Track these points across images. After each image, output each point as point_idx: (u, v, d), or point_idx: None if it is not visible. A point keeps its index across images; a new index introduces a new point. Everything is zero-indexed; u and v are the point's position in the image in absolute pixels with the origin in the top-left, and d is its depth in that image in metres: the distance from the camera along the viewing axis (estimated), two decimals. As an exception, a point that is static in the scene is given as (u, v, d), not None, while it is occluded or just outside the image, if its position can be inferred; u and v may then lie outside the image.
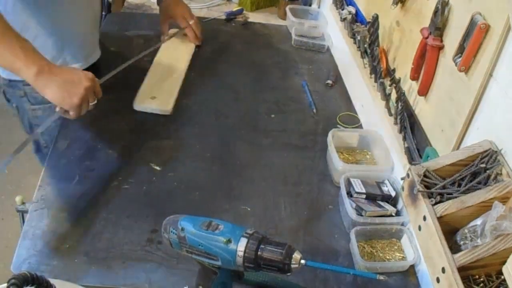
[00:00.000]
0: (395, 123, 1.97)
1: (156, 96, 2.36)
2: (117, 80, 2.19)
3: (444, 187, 1.40)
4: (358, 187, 1.94)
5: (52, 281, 1.18)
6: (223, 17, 3.24)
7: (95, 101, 1.96)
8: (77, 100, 1.87)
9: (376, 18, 2.10)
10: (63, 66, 2.07)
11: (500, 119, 1.41)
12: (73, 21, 2.14)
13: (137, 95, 2.35)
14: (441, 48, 1.69)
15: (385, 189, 1.96)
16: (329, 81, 2.71)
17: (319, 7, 3.35)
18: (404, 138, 1.91)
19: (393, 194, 1.94)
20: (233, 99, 2.52)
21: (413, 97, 1.90)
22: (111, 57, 2.54)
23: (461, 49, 1.54)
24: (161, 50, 2.70)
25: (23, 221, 1.84)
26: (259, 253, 1.25)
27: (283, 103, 2.53)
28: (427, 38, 1.72)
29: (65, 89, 1.86)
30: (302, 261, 1.25)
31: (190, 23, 2.77)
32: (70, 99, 1.86)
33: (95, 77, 1.96)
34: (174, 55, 2.70)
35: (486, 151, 1.41)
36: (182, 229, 1.32)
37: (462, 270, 1.25)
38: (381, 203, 1.92)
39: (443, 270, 1.26)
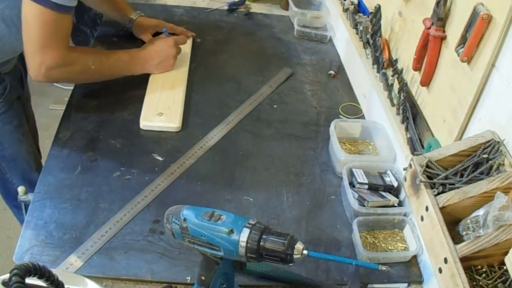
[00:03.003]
0: (398, 114, 1.97)
1: (163, 112, 2.26)
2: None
3: (446, 178, 1.40)
4: (361, 177, 1.94)
5: (55, 271, 1.18)
6: (225, 7, 3.23)
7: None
8: (171, 64, 2.47)
9: (378, 9, 2.10)
10: (147, 45, 2.48)
11: (502, 110, 1.41)
12: None
13: (142, 111, 2.26)
14: (443, 38, 1.69)
15: (387, 179, 1.96)
16: (332, 72, 2.70)
17: (321, -2, 3.34)
18: (407, 129, 1.91)
19: (395, 184, 1.94)
20: (235, 89, 2.51)
21: (415, 88, 1.90)
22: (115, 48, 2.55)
23: (463, 40, 1.54)
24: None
25: (26, 212, 1.84)
26: (261, 243, 1.25)
27: (286, 94, 2.53)
28: (429, 28, 1.72)
29: (162, 64, 2.44)
30: (305, 252, 1.25)
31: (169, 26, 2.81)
32: (168, 67, 2.46)
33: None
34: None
35: (488, 141, 1.41)
36: (185, 220, 1.32)
37: (464, 260, 1.25)
38: (384, 194, 1.92)
39: (445, 260, 1.27)
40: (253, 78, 2.61)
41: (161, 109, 2.26)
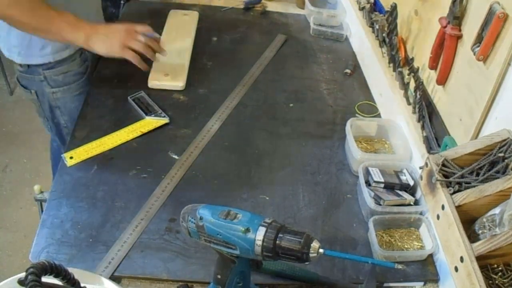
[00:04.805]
0: (414, 112, 1.96)
1: (169, 73, 2.44)
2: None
3: (462, 176, 1.40)
4: (377, 176, 1.94)
5: (71, 270, 1.19)
6: (242, 6, 3.23)
7: (147, 35, 2.26)
8: (118, 44, 2.17)
9: (394, 7, 2.10)
10: (101, 23, 2.33)
11: (519, 108, 1.41)
12: (75, 11, 2.15)
13: (150, 73, 2.41)
14: (459, 37, 1.69)
15: (403, 178, 1.96)
16: (348, 70, 2.70)
17: (337, -4, 3.34)
18: (423, 127, 1.90)
19: (411, 183, 1.94)
20: (252, 88, 2.52)
21: (431, 86, 1.90)
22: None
23: (479, 38, 1.54)
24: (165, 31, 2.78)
25: (42, 210, 1.85)
26: (277, 242, 1.25)
27: (302, 92, 2.53)
28: (445, 27, 1.71)
29: (107, 40, 2.17)
30: (321, 250, 1.25)
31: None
32: (113, 46, 2.17)
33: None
34: (179, 33, 2.79)
35: (504, 140, 1.41)
36: (201, 218, 1.33)
37: (480, 259, 1.25)
38: (400, 192, 1.92)
39: (462, 259, 1.26)
40: (269, 77, 2.61)
41: (168, 70, 2.44)
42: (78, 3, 2.21)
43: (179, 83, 2.42)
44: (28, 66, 2.27)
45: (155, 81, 2.40)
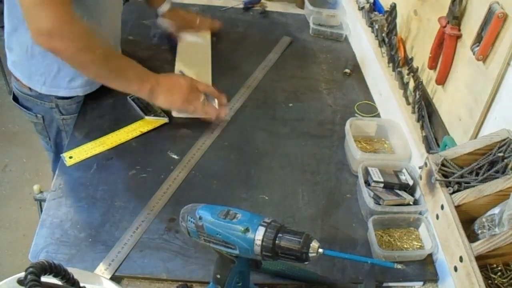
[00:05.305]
0: (413, 112, 1.97)
1: None
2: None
3: (461, 176, 1.40)
4: (376, 176, 1.94)
5: (70, 269, 1.19)
6: (241, 6, 3.23)
7: (203, 97, 2.22)
8: (180, 101, 2.15)
9: (394, 7, 2.10)
10: (163, 74, 2.20)
11: (518, 108, 1.41)
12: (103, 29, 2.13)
13: None
14: (459, 37, 1.69)
15: (402, 178, 1.96)
16: (347, 70, 2.70)
17: (337, -4, 3.34)
18: (422, 127, 1.91)
19: (410, 183, 1.94)
20: (251, 87, 2.51)
21: (431, 86, 1.90)
22: (129, 46, 2.56)
23: (479, 38, 1.54)
24: (179, 50, 2.67)
25: (41, 210, 1.85)
26: (276, 242, 1.25)
27: (301, 92, 2.53)
28: (445, 27, 1.72)
29: (170, 96, 2.14)
30: (320, 250, 1.25)
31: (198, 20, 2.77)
32: (175, 102, 2.16)
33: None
34: (194, 50, 2.68)
35: (503, 140, 1.41)
36: (200, 218, 1.33)
37: (480, 259, 1.25)
38: (399, 192, 1.92)
39: (461, 259, 1.27)
40: (268, 76, 2.61)
41: None
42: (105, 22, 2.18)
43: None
44: (40, 93, 2.18)
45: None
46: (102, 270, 1.61)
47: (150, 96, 2.11)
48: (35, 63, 2.09)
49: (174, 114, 2.24)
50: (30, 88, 2.18)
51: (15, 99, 2.32)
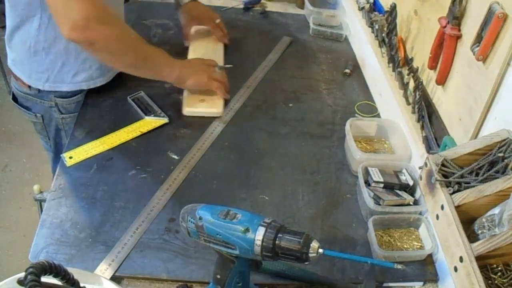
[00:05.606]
0: (413, 112, 1.96)
1: (204, 99, 2.33)
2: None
3: (462, 176, 1.40)
4: (376, 176, 1.94)
5: (70, 270, 1.19)
6: (241, 6, 3.23)
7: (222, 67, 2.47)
8: (205, 79, 2.29)
9: (394, 7, 2.10)
10: (180, 59, 2.31)
11: (518, 108, 1.41)
12: None
13: (184, 100, 2.33)
14: (459, 37, 1.69)
15: (403, 178, 1.96)
16: (347, 70, 2.70)
17: (337, -4, 3.34)
18: (422, 127, 1.91)
19: (411, 183, 1.94)
20: (251, 88, 2.51)
21: (431, 86, 1.90)
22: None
23: (479, 38, 1.54)
24: (190, 52, 2.66)
25: (41, 210, 1.85)
26: (277, 242, 1.25)
27: (301, 92, 2.53)
28: (445, 27, 1.72)
29: (196, 75, 2.28)
30: (320, 250, 1.25)
31: (216, 21, 2.77)
32: (202, 80, 2.29)
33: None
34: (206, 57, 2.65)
35: (504, 140, 1.41)
36: (200, 218, 1.33)
37: (480, 259, 1.25)
38: (399, 192, 1.92)
39: (461, 259, 1.27)
40: (269, 77, 2.62)
41: (203, 96, 2.34)
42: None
43: (216, 109, 2.31)
44: (39, 90, 2.19)
45: (191, 108, 2.29)
46: (102, 270, 1.61)
47: (178, 81, 2.24)
48: (37, 60, 2.10)
49: (185, 112, 2.27)
50: (29, 87, 2.19)
51: (15, 99, 2.33)
